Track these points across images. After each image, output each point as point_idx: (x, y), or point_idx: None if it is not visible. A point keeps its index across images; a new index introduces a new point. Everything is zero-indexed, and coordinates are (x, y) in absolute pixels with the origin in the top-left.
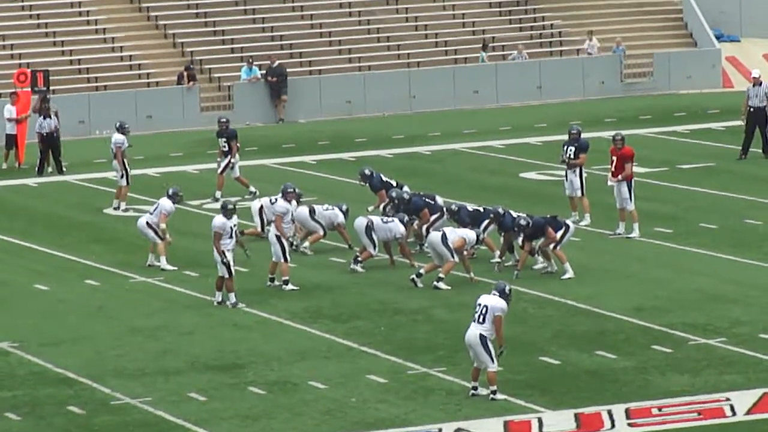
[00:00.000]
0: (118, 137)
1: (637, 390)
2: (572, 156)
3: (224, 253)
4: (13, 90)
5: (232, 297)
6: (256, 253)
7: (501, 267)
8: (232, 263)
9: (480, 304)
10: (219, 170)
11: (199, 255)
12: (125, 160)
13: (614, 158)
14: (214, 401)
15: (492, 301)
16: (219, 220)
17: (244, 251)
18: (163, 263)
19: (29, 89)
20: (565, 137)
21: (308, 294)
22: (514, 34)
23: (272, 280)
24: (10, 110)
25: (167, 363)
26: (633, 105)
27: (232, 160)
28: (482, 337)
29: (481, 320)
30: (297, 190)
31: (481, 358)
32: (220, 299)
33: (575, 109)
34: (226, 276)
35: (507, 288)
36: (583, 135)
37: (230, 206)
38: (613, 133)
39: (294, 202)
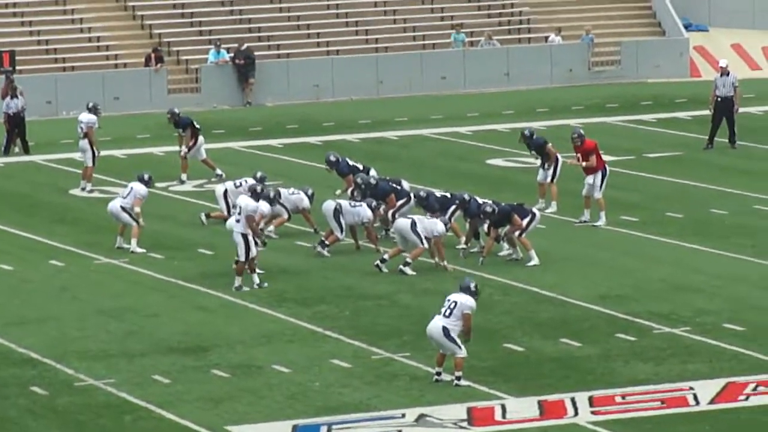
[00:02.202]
0: (91, 117)
1: (600, 378)
2: (540, 158)
3: (258, 235)
4: None
5: (255, 278)
6: (221, 236)
7: (466, 253)
8: (254, 245)
9: (449, 300)
10: (182, 153)
11: (164, 237)
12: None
13: (578, 155)
14: (177, 384)
15: (462, 298)
16: (251, 203)
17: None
18: (134, 246)
19: None
20: (532, 124)
21: (273, 278)
22: (482, 20)
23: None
24: None
25: (131, 345)
26: (600, 93)
27: (188, 147)
28: (445, 329)
29: (447, 314)
30: (265, 191)
31: (446, 347)
32: (238, 284)
33: (542, 97)
34: (253, 256)
35: (473, 285)
36: (550, 123)
37: (259, 189)
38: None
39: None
